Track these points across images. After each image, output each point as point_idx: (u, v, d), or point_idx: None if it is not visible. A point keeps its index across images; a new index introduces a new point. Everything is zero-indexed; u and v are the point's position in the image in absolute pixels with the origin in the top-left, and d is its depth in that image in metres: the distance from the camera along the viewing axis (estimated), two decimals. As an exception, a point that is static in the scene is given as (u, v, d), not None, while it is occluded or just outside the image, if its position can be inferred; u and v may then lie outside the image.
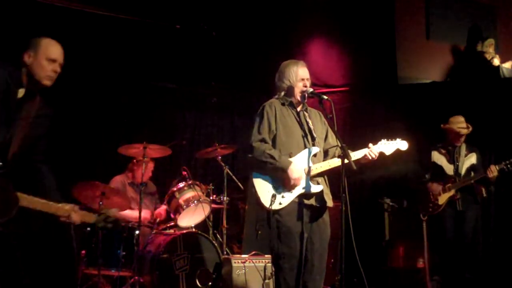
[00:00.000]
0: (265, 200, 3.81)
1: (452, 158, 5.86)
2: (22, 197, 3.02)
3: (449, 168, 5.84)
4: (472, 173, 5.77)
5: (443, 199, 5.75)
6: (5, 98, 3.04)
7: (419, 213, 5.93)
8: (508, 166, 5.59)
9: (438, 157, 5.92)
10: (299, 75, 4.00)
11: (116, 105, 6.65)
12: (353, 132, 7.18)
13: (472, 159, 5.85)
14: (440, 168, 5.88)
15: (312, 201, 3.89)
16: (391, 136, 4.10)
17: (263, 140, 3.89)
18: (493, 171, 5.59)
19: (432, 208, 5.80)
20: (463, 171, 5.81)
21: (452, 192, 5.73)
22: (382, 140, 4.04)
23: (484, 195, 5.89)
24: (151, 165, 5.97)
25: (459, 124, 5.86)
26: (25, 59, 3.13)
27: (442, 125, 5.94)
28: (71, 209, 3.19)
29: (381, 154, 4.00)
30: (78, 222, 3.31)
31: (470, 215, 5.77)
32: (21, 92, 3.14)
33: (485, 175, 5.64)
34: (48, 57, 3.14)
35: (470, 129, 5.85)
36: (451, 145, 5.91)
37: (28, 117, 3.15)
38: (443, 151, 5.92)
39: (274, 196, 3.80)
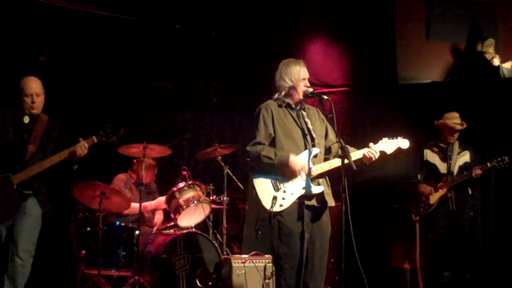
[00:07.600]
0: (266, 203, 3.80)
1: (445, 156, 5.76)
2: (33, 168, 3.99)
3: (442, 167, 5.76)
4: (465, 172, 5.67)
5: (434, 198, 5.68)
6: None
7: (411, 213, 5.86)
8: (500, 164, 5.50)
9: (431, 156, 5.83)
10: (301, 75, 3.97)
11: (115, 105, 6.65)
12: (353, 132, 7.18)
13: (466, 157, 5.75)
14: (433, 166, 5.79)
15: (313, 202, 3.89)
16: (391, 136, 4.09)
17: (258, 143, 3.87)
18: (477, 171, 5.50)
19: (423, 208, 5.73)
20: (455, 169, 5.71)
21: (443, 191, 5.65)
22: (384, 139, 4.02)
23: (470, 193, 5.73)
24: (154, 168, 5.97)
25: (454, 120, 5.78)
26: None
27: (436, 122, 5.85)
28: (72, 148, 4.06)
29: (382, 153, 3.98)
30: (85, 150, 4.11)
31: (464, 214, 5.68)
32: (27, 119, 4.19)
33: (470, 176, 5.55)
34: (25, 94, 4.16)
35: (465, 125, 5.76)
36: (444, 143, 5.82)
37: (38, 134, 4.13)
38: (436, 150, 5.83)
39: (275, 198, 3.79)
